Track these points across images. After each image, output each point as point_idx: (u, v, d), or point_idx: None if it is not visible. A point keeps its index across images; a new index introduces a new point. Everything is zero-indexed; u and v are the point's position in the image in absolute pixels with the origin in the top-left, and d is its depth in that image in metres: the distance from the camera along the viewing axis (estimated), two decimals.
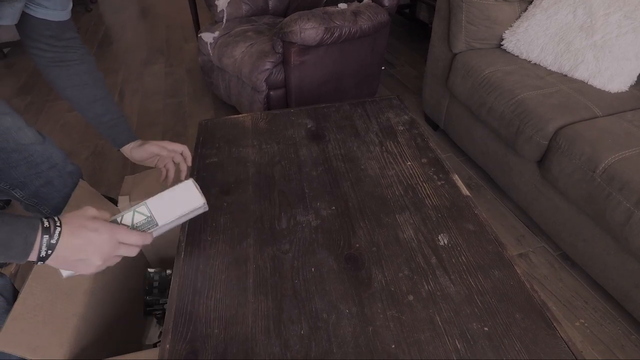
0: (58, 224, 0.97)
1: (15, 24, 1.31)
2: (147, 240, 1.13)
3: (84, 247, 1.00)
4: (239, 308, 1.17)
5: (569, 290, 2.14)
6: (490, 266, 1.25)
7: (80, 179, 1.77)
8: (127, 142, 1.61)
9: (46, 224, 0.95)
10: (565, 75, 2.42)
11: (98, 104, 1.57)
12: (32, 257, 0.93)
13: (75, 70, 1.51)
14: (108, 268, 1.13)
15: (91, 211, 1.06)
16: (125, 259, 1.13)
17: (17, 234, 0.91)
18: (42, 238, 0.93)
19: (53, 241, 0.95)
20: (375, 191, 1.53)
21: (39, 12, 1.34)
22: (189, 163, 1.64)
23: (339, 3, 2.94)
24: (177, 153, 1.63)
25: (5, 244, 0.90)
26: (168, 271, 1.85)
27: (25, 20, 1.35)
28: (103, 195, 1.84)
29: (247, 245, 1.34)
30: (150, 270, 1.82)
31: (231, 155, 1.74)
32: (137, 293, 1.84)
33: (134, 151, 1.61)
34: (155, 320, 1.96)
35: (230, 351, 1.07)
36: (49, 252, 0.94)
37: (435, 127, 3.39)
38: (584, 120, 2.07)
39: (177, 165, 1.64)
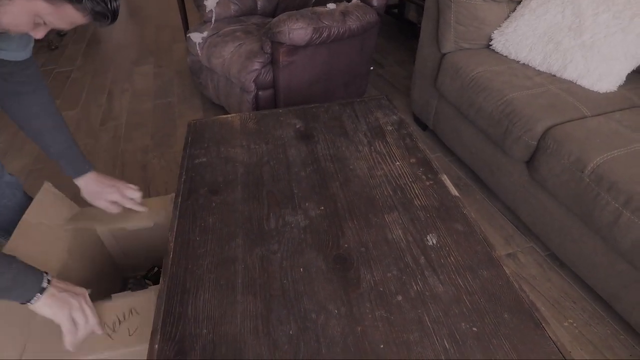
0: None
1: None
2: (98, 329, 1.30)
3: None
4: (228, 308, 1.17)
5: (558, 291, 2.15)
6: (478, 266, 1.25)
7: (45, 181, 1.75)
8: (76, 176, 1.68)
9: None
10: (554, 76, 2.43)
11: (47, 135, 1.61)
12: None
13: (27, 101, 1.54)
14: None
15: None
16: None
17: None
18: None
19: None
20: (363, 191, 1.53)
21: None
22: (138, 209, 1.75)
23: (328, 3, 2.94)
24: (128, 199, 1.72)
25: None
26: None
27: None
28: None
29: (236, 245, 1.34)
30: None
31: (220, 155, 1.74)
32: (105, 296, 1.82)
33: (86, 189, 1.70)
34: None
35: (218, 351, 1.06)
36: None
37: (424, 127, 3.39)
38: (572, 121, 2.08)
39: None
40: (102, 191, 1.67)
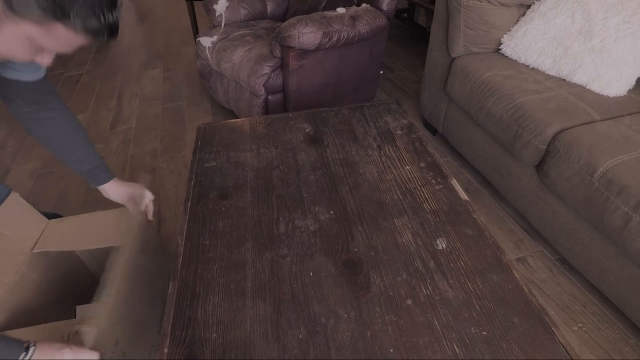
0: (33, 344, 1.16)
1: None
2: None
3: None
4: (237, 312, 1.17)
5: (567, 295, 2.14)
6: (488, 270, 1.25)
7: (11, 191, 1.74)
8: (103, 183, 1.70)
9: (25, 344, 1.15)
10: (564, 80, 2.42)
11: (71, 155, 1.63)
12: None
13: (50, 123, 1.55)
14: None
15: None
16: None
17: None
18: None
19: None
20: (373, 195, 1.53)
21: (9, 74, 1.35)
22: (150, 216, 1.79)
23: (338, 7, 2.94)
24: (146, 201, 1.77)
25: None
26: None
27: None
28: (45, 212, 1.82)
29: (246, 249, 1.34)
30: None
31: (229, 159, 1.74)
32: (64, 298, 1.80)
33: (112, 192, 1.72)
34: None
35: (228, 355, 1.07)
36: None
37: (433, 131, 3.39)
38: (582, 125, 2.07)
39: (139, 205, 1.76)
40: (122, 191, 1.72)
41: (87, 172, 1.65)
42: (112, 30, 0.97)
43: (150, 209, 1.76)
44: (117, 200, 1.73)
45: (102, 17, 0.92)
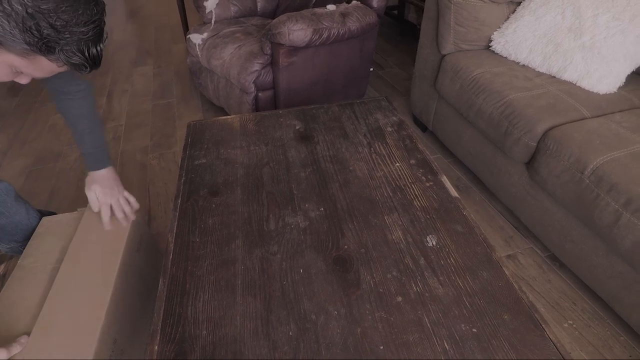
0: None
1: None
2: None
3: None
4: (228, 309, 1.17)
5: (558, 292, 2.15)
6: (478, 267, 1.25)
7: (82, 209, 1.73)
8: (98, 169, 1.67)
9: None
10: (554, 77, 2.42)
11: (84, 136, 1.64)
12: None
13: (73, 104, 1.58)
14: None
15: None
16: None
17: None
18: None
19: None
20: (363, 192, 1.53)
21: None
22: (130, 219, 1.73)
23: (328, 4, 2.94)
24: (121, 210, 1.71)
25: None
26: None
27: None
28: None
29: (236, 246, 1.34)
30: None
31: (219, 156, 1.74)
32: None
33: (94, 185, 1.67)
34: None
35: (218, 352, 1.06)
36: None
37: (423, 128, 3.39)
38: (572, 122, 2.07)
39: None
40: (104, 189, 1.67)
41: (88, 155, 1.65)
42: (95, 63, 1.00)
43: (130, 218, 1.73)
44: (87, 188, 1.69)
45: (86, 52, 0.95)
